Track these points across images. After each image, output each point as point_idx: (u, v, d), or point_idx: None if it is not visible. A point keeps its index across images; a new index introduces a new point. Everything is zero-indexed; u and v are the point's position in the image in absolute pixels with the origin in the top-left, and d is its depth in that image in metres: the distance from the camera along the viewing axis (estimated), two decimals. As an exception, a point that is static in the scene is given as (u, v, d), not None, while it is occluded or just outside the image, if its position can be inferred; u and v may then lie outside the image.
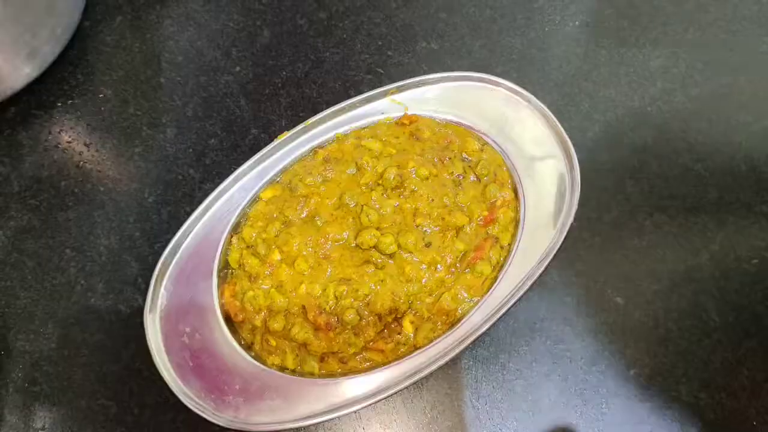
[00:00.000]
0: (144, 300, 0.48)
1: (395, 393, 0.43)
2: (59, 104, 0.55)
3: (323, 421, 0.43)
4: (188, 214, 0.48)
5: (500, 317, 0.45)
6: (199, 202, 0.48)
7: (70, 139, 0.54)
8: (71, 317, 0.48)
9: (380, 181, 0.48)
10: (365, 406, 0.42)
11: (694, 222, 0.51)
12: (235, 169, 0.49)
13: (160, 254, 0.47)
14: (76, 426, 0.45)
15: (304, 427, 0.44)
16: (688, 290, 0.49)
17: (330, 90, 0.55)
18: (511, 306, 0.45)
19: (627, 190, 0.52)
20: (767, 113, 0.55)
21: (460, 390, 0.46)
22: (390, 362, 0.44)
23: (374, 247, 0.46)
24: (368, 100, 0.52)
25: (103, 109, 0.55)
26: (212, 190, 0.49)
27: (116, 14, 0.59)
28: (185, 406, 0.43)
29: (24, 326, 0.47)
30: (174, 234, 0.47)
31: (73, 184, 0.52)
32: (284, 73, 0.57)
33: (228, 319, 0.46)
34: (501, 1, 0.60)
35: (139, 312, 0.47)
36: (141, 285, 0.49)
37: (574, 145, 0.49)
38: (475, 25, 0.59)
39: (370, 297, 0.44)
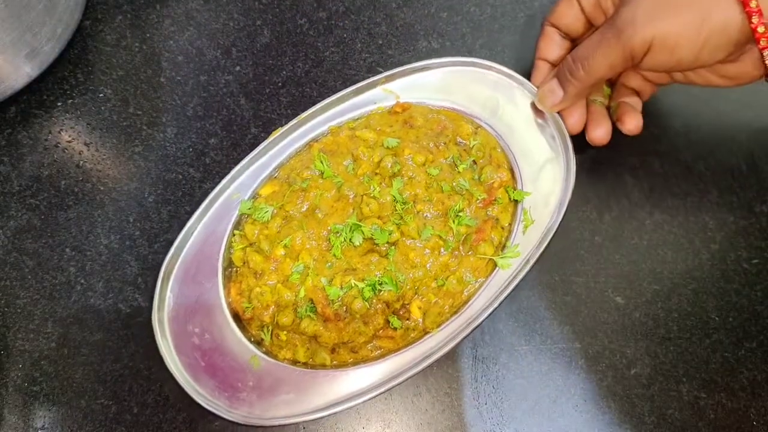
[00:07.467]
0: (144, 300, 0.48)
1: (409, 378, 0.43)
2: (59, 104, 0.55)
3: (338, 411, 0.43)
4: (189, 214, 0.49)
5: (504, 298, 0.45)
6: (200, 202, 0.48)
7: (70, 139, 0.54)
8: (71, 317, 0.48)
9: (377, 171, 0.48)
10: (380, 393, 0.43)
11: (694, 222, 0.51)
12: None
13: (160, 254, 0.47)
14: (76, 425, 0.45)
15: (312, 420, 0.44)
16: (688, 290, 0.49)
17: (330, 89, 0.55)
18: (514, 288, 0.45)
19: (627, 189, 0.52)
20: (768, 113, 0.55)
21: (460, 389, 0.46)
22: (401, 348, 0.44)
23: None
24: (359, 92, 0.52)
25: (103, 108, 0.55)
26: (212, 189, 0.49)
27: (116, 14, 0.59)
28: (185, 405, 0.43)
29: (24, 325, 0.47)
30: (174, 234, 0.48)
31: (73, 184, 0.52)
32: (284, 72, 0.57)
33: (236, 317, 0.46)
34: (502, 0, 0.60)
35: (139, 311, 0.47)
36: (141, 284, 0.49)
37: (573, 144, 0.49)
38: (475, 23, 0.59)
39: (376, 285, 0.44)
